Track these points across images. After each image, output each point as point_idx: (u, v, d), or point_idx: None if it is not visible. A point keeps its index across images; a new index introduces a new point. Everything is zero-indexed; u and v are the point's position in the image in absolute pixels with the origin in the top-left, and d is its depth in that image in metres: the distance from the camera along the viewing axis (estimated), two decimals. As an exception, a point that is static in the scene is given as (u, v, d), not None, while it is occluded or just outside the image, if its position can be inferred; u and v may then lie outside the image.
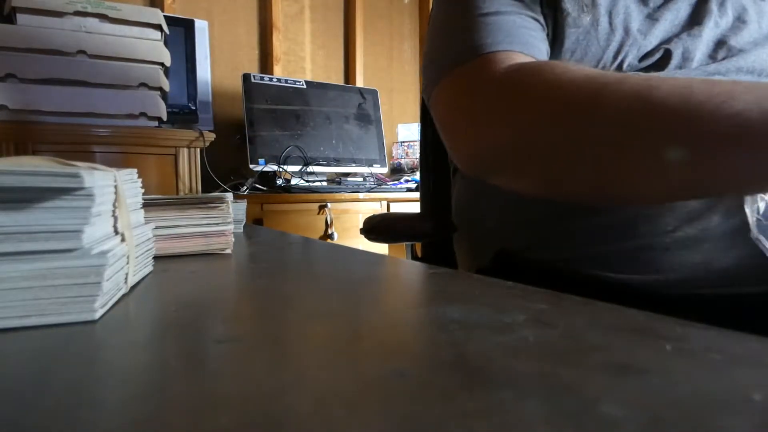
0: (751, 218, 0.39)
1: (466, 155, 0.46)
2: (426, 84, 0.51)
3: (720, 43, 0.47)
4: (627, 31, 0.47)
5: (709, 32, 0.47)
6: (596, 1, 0.48)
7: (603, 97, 0.34)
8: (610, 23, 0.47)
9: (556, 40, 0.49)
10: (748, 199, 0.40)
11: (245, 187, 1.62)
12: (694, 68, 0.46)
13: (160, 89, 1.18)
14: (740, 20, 0.48)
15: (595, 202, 0.44)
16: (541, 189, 0.44)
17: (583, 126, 0.36)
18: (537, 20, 0.48)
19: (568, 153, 0.37)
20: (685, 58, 0.46)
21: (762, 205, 0.39)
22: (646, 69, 0.47)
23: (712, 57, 0.47)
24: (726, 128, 0.30)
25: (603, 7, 0.48)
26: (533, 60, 0.44)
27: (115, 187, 0.31)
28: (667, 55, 0.46)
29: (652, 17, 0.48)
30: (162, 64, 1.18)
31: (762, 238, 0.39)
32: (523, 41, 0.45)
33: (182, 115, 1.43)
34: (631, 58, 0.47)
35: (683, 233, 0.43)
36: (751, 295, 0.43)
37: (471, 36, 0.45)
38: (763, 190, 0.37)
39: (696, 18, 0.48)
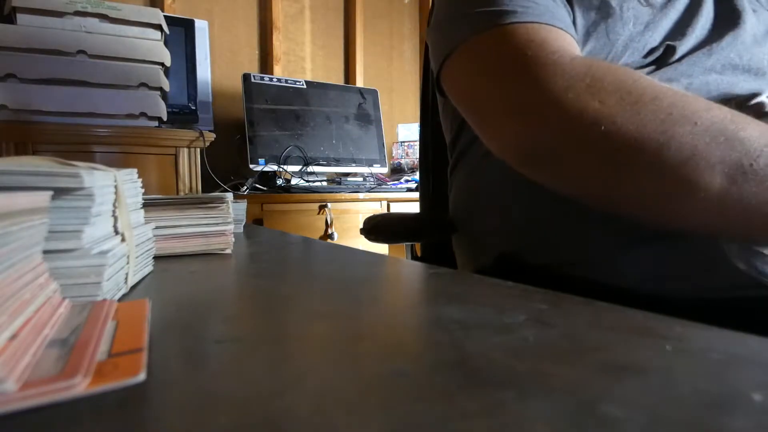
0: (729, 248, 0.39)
1: (514, 145, 0.42)
2: (441, 51, 0.47)
3: (715, 39, 0.47)
4: (636, 25, 0.47)
5: (702, 29, 0.48)
6: None
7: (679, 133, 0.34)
8: (621, 17, 0.47)
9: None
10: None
11: (245, 187, 1.62)
12: (687, 62, 0.46)
13: (160, 89, 1.18)
14: (738, 17, 0.48)
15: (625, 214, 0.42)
16: (578, 190, 0.41)
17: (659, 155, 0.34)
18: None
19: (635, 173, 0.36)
20: (682, 54, 0.47)
21: None
22: (649, 64, 0.47)
23: (707, 53, 0.47)
24: None
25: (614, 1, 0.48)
26: (596, 59, 0.42)
27: (115, 187, 0.31)
28: (669, 51, 0.46)
29: (658, 12, 0.48)
30: (162, 64, 1.18)
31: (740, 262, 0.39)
32: (558, 17, 0.44)
33: (182, 115, 1.43)
34: (637, 54, 0.47)
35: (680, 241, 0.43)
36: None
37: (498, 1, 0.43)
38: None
39: (692, 14, 0.48)
